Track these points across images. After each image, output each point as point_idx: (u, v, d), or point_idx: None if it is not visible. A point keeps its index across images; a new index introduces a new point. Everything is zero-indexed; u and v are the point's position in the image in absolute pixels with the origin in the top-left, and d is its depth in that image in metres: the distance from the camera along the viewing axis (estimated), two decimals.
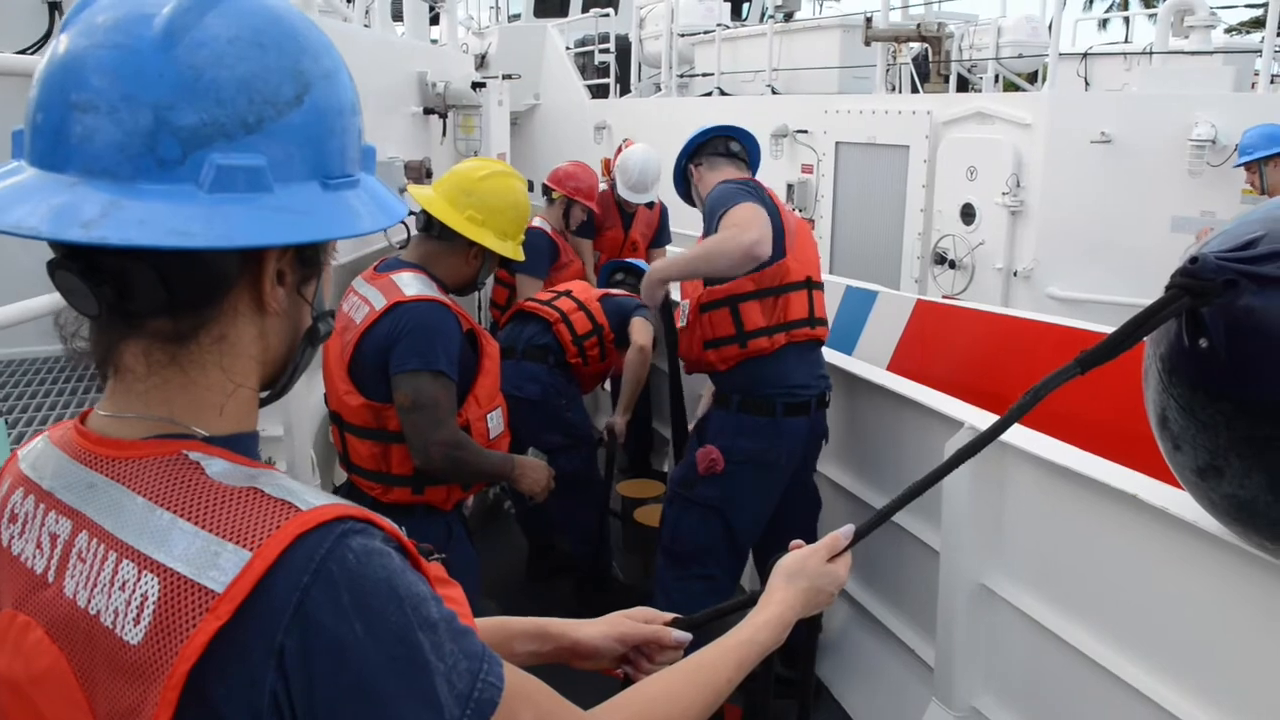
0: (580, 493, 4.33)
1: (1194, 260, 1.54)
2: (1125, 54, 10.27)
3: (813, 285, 3.47)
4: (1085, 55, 10.44)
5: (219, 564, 0.83)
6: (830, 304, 5.82)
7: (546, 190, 5.29)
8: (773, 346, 3.35)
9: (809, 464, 3.59)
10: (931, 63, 9.87)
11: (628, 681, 1.31)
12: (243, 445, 0.98)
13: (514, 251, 2.87)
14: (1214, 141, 6.28)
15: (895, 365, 5.41)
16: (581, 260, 5.41)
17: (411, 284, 2.67)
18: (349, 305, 2.76)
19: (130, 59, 0.85)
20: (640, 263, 5.08)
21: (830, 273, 8.49)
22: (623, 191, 5.60)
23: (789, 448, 3.40)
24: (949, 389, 3.33)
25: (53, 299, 1.13)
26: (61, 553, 0.92)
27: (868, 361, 3.93)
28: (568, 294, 4.47)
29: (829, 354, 3.86)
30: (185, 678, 0.80)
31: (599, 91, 13.82)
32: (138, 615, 0.84)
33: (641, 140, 11.13)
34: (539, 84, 13.69)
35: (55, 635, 0.89)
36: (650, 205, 5.78)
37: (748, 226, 3.13)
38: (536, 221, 5.28)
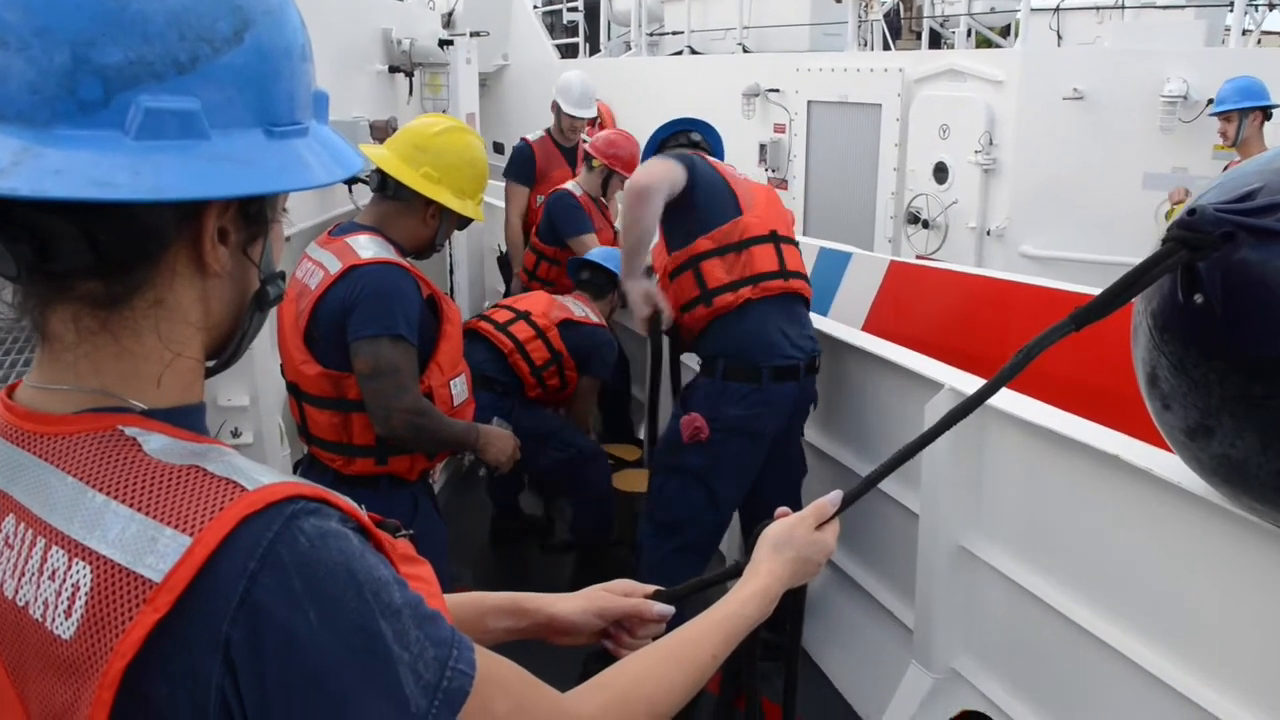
0: (580, 483, 4.30)
1: (1192, 212, 1.49)
2: (1098, 8, 10.21)
3: (780, 239, 3.43)
4: (1057, 9, 10.37)
5: (156, 550, 0.75)
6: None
7: (588, 157, 5.24)
8: (737, 300, 3.31)
9: (795, 430, 3.54)
10: (903, 19, 9.77)
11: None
12: (186, 418, 0.90)
13: (474, 211, 2.76)
14: (1185, 97, 6.24)
15: (870, 327, 5.37)
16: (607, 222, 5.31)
17: (367, 247, 2.57)
18: (303, 271, 2.65)
19: None
20: (603, 256, 4.83)
21: (804, 234, 8.45)
22: (568, 109, 5.78)
23: (775, 415, 3.35)
24: (924, 349, 3.30)
25: None
26: None
27: (843, 323, 3.89)
28: (525, 316, 4.25)
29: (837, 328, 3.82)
30: (121, 675, 0.74)
31: (568, 51, 13.63)
32: (69, 607, 0.77)
33: (613, 101, 11.02)
34: (507, 44, 13.46)
35: None
36: (592, 122, 5.74)
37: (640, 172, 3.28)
38: (569, 185, 5.23)
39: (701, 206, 3.38)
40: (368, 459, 2.65)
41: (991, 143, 7.02)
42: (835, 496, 1.42)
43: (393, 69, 4.78)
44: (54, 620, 0.77)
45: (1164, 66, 6.42)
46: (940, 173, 7.50)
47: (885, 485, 3.25)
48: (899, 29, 9.90)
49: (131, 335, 0.86)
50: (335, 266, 2.54)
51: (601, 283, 4.66)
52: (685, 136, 3.78)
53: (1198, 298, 1.53)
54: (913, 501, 3.06)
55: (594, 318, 4.47)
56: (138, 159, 0.76)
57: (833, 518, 1.41)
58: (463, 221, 2.81)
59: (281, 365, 2.75)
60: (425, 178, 2.63)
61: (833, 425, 3.71)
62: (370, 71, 4.64)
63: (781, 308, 3.38)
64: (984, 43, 10.53)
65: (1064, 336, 1.41)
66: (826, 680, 3.44)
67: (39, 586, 0.79)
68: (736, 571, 1.36)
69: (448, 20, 12.01)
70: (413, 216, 2.69)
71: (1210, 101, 6.04)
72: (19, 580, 0.80)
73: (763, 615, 1.30)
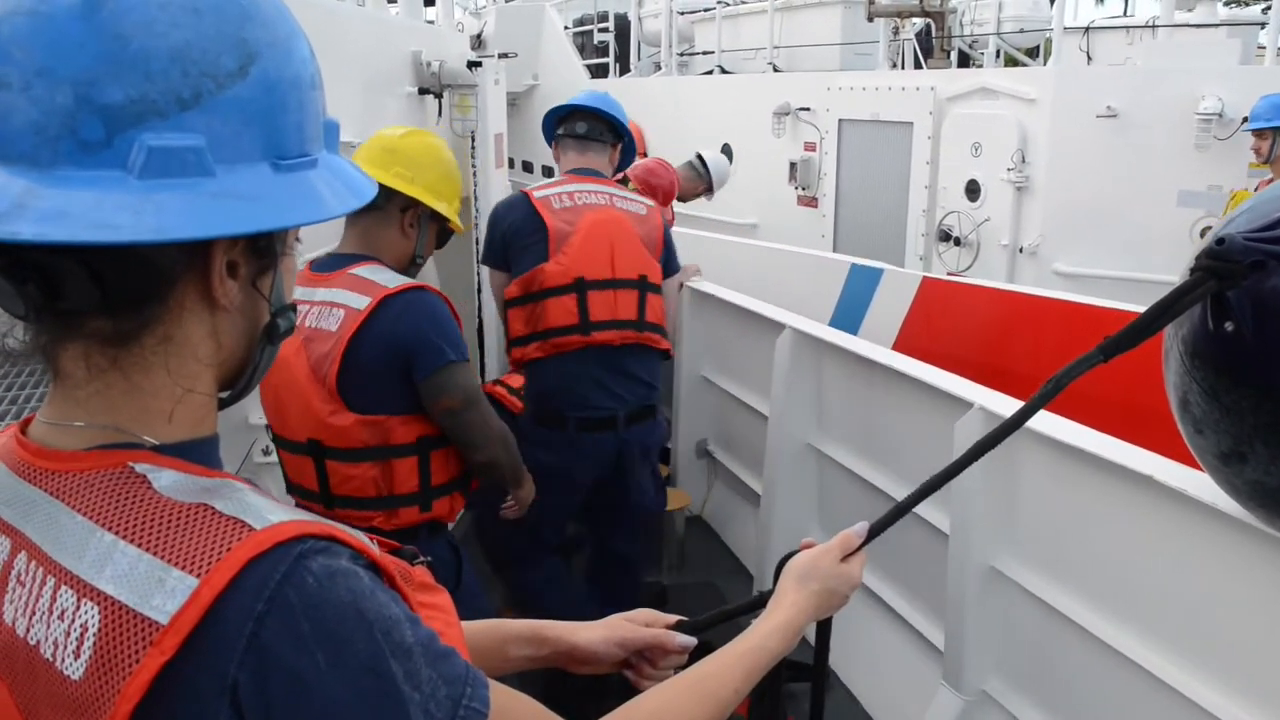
0: None
1: (1220, 241, 1.48)
2: (1128, 28, 10.17)
3: (591, 286, 3.26)
4: (1088, 29, 10.34)
5: (164, 591, 0.75)
6: (834, 282, 5.81)
7: (624, 182, 5.23)
8: (528, 355, 3.29)
9: (627, 479, 3.47)
10: (935, 38, 9.77)
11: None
12: (199, 452, 0.90)
13: (453, 215, 2.62)
14: (1220, 115, 6.20)
15: (901, 343, 5.36)
16: None
17: (382, 274, 2.44)
18: (300, 317, 2.41)
19: (46, 28, 0.75)
20: None
21: (834, 250, 8.45)
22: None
23: (588, 465, 3.35)
24: (955, 366, 3.28)
25: None
26: (0, 574, 0.84)
27: (873, 340, 3.88)
28: None
29: (832, 334, 3.81)
30: (129, 717, 0.74)
31: (598, 71, 13.70)
32: (78, 648, 0.77)
33: (644, 121, 11.06)
34: (537, 64, 13.55)
35: None
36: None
37: None
38: None
39: (515, 249, 3.36)
40: (412, 507, 2.49)
41: (1024, 160, 7.00)
42: (861, 528, 1.41)
43: (422, 90, 4.85)
44: (64, 660, 0.77)
45: (1198, 84, 6.39)
46: (972, 190, 7.48)
47: (916, 508, 3.24)
48: (930, 49, 9.89)
49: (141, 372, 0.86)
50: (360, 302, 2.38)
51: None
52: (569, 124, 3.66)
53: (1228, 325, 1.52)
54: (943, 522, 3.04)
55: None
56: (140, 199, 0.75)
57: (859, 549, 1.40)
58: (443, 237, 2.68)
59: (272, 426, 2.55)
60: (398, 177, 2.49)
61: (860, 444, 3.70)
62: (400, 94, 4.71)
63: (595, 359, 3.30)
64: (1012, 63, 10.50)
65: (1092, 367, 1.42)
66: (855, 700, 3.42)
67: (49, 626, 0.79)
68: (761, 602, 1.36)
69: (477, 42, 12.12)
70: (391, 228, 2.54)
71: (1245, 120, 5.99)
72: (30, 619, 0.80)
73: (786, 649, 1.30)
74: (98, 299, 0.81)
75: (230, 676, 0.75)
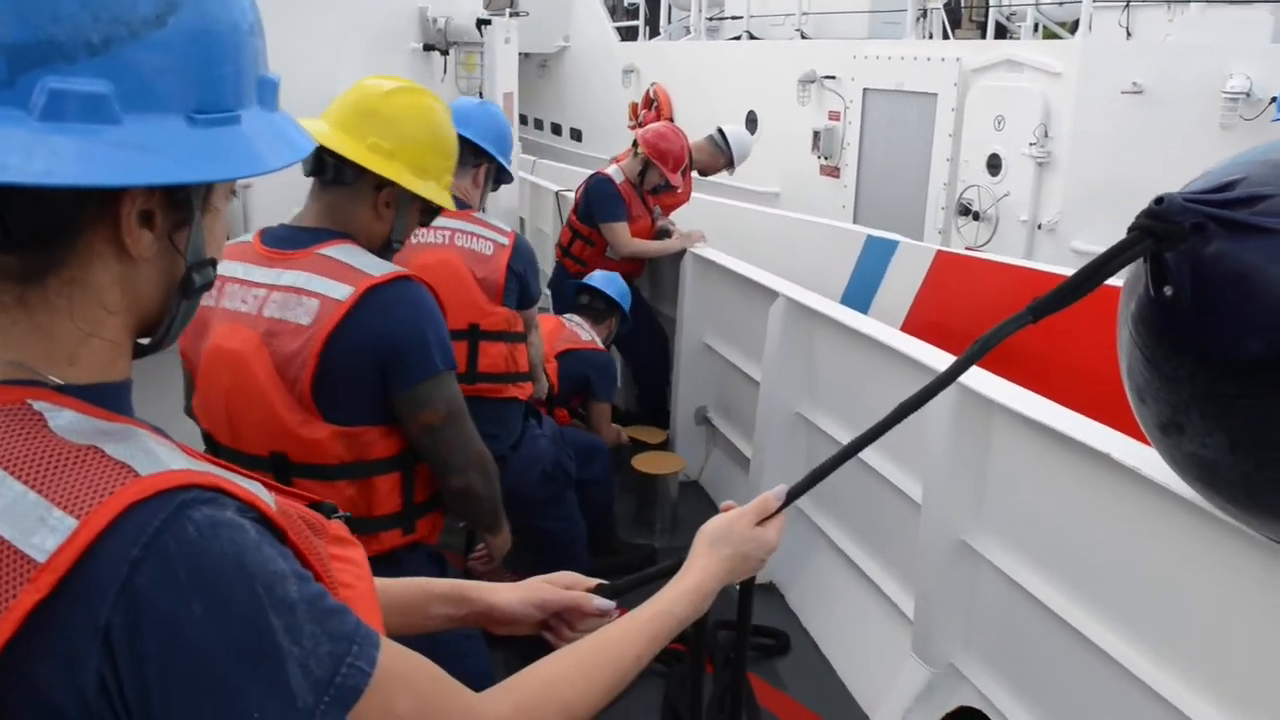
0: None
1: (1160, 200, 1.44)
2: (1169, 2, 9.93)
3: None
4: (1128, 3, 10.11)
5: (44, 529, 0.75)
6: (850, 253, 5.75)
7: (635, 143, 5.20)
8: None
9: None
10: (964, 8, 9.61)
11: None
12: (104, 396, 0.89)
13: (438, 195, 2.18)
14: (1248, 94, 6.08)
15: (913, 315, 5.32)
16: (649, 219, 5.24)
17: (360, 257, 2.02)
18: (256, 303, 1.99)
19: None
20: (605, 282, 4.77)
21: (854, 222, 8.38)
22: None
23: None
24: (966, 341, 3.22)
25: None
26: None
27: (886, 312, 3.84)
28: None
29: (824, 303, 3.78)
30: (1, 652, 0.74)
31: (628, 34, 13.62)
32: None
33: (670, 85, 10.98)
34: (569, 26, 13.50)
35: None
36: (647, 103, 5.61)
37: None
38: (610, 170, 5.20)
39: None
40: (394, 530, 2.14)
41: (1047, 135, 6.90)
42: (780, 491, 1.39)
43: (427, 47, 4.83)
44: None
45: (1227, 62, 6.25)
46: (993, 164, 7.38)
47: (890, 475, 3.22)
48: (959, 19, 9.72)
49: (45, 311, 0.86)
50: (338, 291, 1.95)
51: (601, 307, 4.70)
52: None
53: (1167, 290, 1.48)
54: (916, 492, 3.01)
55: (597, 341, 4.48)
56: (35, 140, 0.75)
57: (776, 513, 1.38)
58: (428, 213, 2.24)
59: (216, 436, 2.09)
60: (373, 149, 2.05)
61: (849, 416, 3.66)
62: (405, 50, 4.70)
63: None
64: (1051, 37, 10.31)
65: (1021, 328, 1.40)
66: (828, 666, 3.41)
67: None
68: (676, 566, 1.34)
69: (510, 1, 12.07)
70: (361, 206, 2.09)
71: (1275, 100, 5.86)
72: None
73: (695, 613, 1.29)
74: (1, 236, 0.81)
75: (103, 619, 0.75)
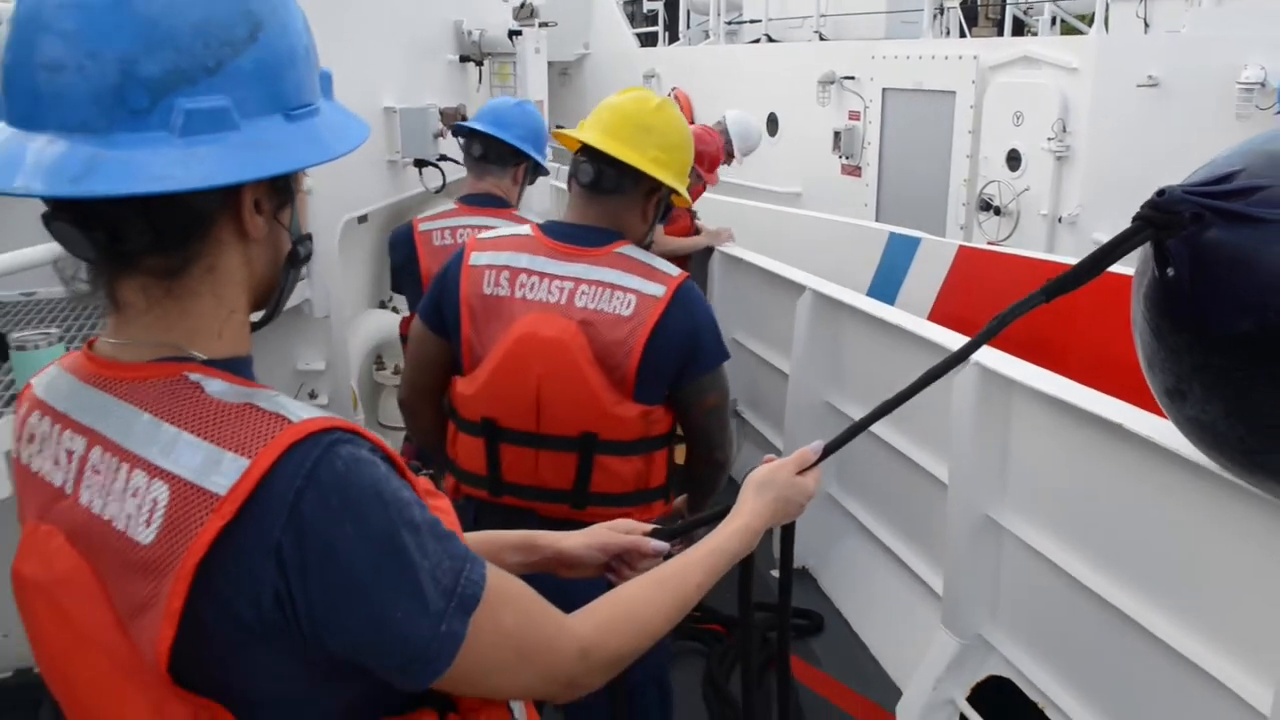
0: None
1: (1162, 192, 1.60)
2: None
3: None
4: None
5: (221, 470, 0.91)
6: (874, 250, 5.89)
7: None
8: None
9: None
10: (980, 6, 9.71)
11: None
12: (238, 367, 1.05)
13: (685, 195, 2.40)
14: (1263, 84, 6.16)
15: (937, 310, 5.43)
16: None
17: (650, 258, 2.27)
18: (563, 294, 2.19)
19: (87, 17, 0.90)
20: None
21: (877, 220, 8.50)
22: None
23: None
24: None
25: (50, 246, 1.23)
26: (77, 467, 1.01)
27: (911, 307, 3.96)
28: None
29: (849, 295, 3.91)
30: (194, 570, 0.90)
31: (647, 40, 13.77)
32: (149, 518, 0.93)
33: (691, 89, 11.13)
34: (588, 33, 13.67)
35: (74, 540, 0.99)
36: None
37: None
38: None
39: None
40: (658, 501, 2.34)
41: (1065, 130, 7.00)
42: (817, 446, 1.56)
43: (463, 58, 5.01)
44: (136, 530, 0.94)
45: (1242, 53, 6.34)
46: (1013, 159, 7.49)
47: (915, 455, 3.37)
48: (975, 16, 9.83)
49: (192, 297, 1.02)
50: (653, 288, 2.19)
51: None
52: (470, 145, 3.38)
53: (1170, 271, 1.64)
54: (942, 472, 3.16)
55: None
56: (185, 153, 0.91)
57: (814, 465, 1.55)
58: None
59: (502, 420, 2.21)
60: (655, 162, 2.24)
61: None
62: (442, 61, 4.88)
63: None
64: (1070, 31, 10.38)
65: (1035, 307, 1.55)
66: (861, 643, 3.56)
67: (123, 503, 0.95)
68: (725, 511, 1.51)
69: (531, 11, 12.26)
70: (634, 211, 2.31)
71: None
72: (106, 499, 0.97)
73: (745, 549, 1.45)
74: (152, 240, 0.97)
75: (275, 539, 0.91)
